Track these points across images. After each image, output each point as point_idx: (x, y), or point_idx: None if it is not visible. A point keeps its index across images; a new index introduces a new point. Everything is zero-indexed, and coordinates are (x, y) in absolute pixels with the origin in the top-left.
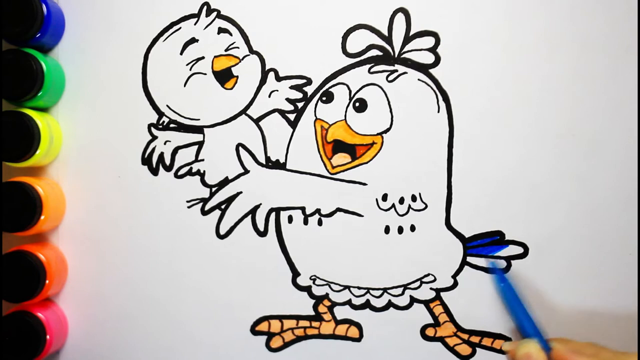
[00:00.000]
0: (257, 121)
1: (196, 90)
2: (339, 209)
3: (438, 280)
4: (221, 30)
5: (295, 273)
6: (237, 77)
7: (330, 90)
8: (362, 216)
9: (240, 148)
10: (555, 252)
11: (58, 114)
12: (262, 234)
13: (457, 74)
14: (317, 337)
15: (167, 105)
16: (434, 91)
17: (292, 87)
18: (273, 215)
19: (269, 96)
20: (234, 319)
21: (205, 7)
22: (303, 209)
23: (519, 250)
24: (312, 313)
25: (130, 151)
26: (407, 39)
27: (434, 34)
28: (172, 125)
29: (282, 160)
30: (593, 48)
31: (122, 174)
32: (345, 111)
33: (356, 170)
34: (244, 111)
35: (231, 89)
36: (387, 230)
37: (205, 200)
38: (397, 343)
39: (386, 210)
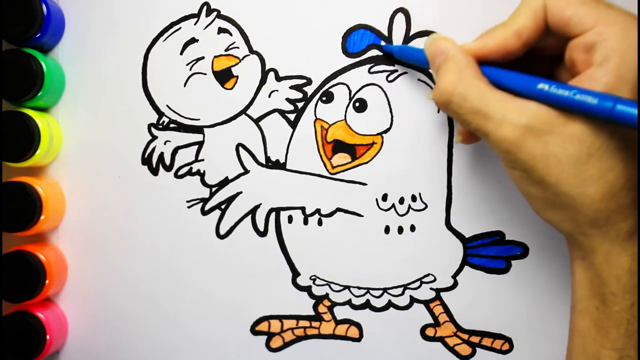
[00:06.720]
0: (257, 121)
1: (196, 90)
2: (339, 209)
3: (438, 280)
4: (221, 30)
5: (295, 273)
6: (237, 77)
7: (330, 90)
8: (362, 216)
9: (240, 148)
10: (555, 252)
11: (58, 114)
12: (262, 234)
13: None
14: (317, 337)
15: (167, 105)
16: None
17: (292, 87)
18: (273, 215)
19: (269, 96)
20: (234, 319)
21: (205, 7)
22: (303, 209)
23: (518, 250)
24: (312, 313)
25: (130, 151)
26: (407, 39)
27: None
28: (172, 125)
29: (282, 160)
30: None
31: (122, 174)
32: (345, 111)
33: (356, 170)
34: (244, 111)
35: (231, 89)
36: (387, 230)
37: (205, 200)
38: (397, 343)
39: (386, 210)
